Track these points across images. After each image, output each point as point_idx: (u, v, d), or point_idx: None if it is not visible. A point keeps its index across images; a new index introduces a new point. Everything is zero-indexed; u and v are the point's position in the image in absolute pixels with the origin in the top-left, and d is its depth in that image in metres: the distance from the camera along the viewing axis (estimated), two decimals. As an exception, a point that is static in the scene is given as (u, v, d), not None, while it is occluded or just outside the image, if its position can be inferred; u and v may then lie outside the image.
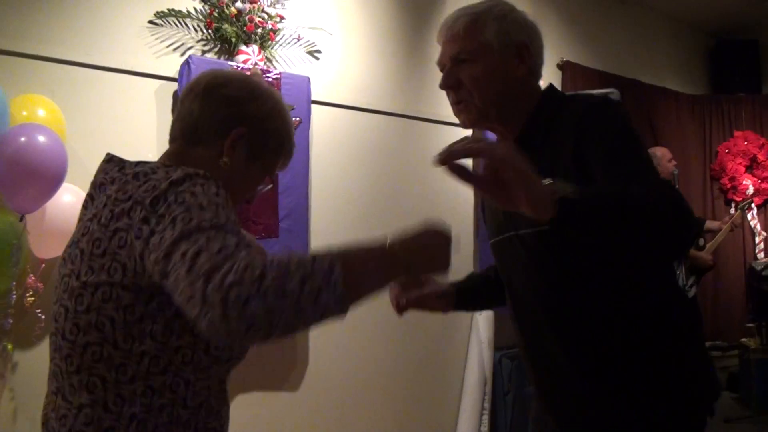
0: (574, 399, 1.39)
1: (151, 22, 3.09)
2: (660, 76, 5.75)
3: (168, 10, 3.12)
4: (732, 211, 4.99)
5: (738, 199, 5.62)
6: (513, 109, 1.44)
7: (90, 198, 1.13)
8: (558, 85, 4.85)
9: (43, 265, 2.61)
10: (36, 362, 2.60)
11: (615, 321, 1.32)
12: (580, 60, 5.00)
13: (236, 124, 1.16)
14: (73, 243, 1.09)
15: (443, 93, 1.56)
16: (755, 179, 5.76)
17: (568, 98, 1.47)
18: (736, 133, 5.89)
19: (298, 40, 3.45)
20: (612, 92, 4.40)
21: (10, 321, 2.45)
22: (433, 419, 4.04)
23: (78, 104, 2.86)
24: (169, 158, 1.16)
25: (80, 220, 1.14)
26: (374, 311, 1.98)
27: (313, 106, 3.51)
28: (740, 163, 5.74)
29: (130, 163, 1.11)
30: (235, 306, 0.84)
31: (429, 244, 1.05)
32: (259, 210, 3.25)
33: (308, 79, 3.45)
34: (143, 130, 3.03)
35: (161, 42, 3.13)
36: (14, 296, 2.44)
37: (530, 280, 1.44)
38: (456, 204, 4.22)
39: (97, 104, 2.92)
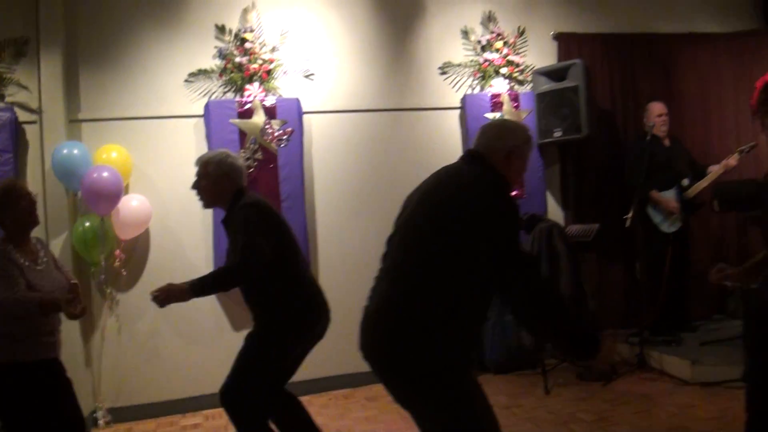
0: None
1: (186, 80, 4.79)
2: (689, 20, 5.78)
3: (197, 70, 4.81)
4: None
5: None
6: (223, 201, 3.13)
7: None
8: (553, 56, 5.51)
9: (123, 243, 4.52)
10: (127, 300, 4.57)
11: None
12: (577, 28, 5.49)
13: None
14: None
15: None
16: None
17: (241, 197, 3.04)
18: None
19: (285, 74, 4.92)
20: (574, 63, 5.08)
21: (103, 276, 4.41)
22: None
23: (142, 144, 4.72)
24: None
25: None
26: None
27: (309, 116, 4.99)
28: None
29: None
30: None
31: None
32: (267, 195, 4.81)
33: (298, 100, 4.92)
34: (185, 153, 4.77)
35: (194, 92, 4.84)
36: (105, 263, 4.39)
37: None
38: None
39: (155, 140, 4.76)
